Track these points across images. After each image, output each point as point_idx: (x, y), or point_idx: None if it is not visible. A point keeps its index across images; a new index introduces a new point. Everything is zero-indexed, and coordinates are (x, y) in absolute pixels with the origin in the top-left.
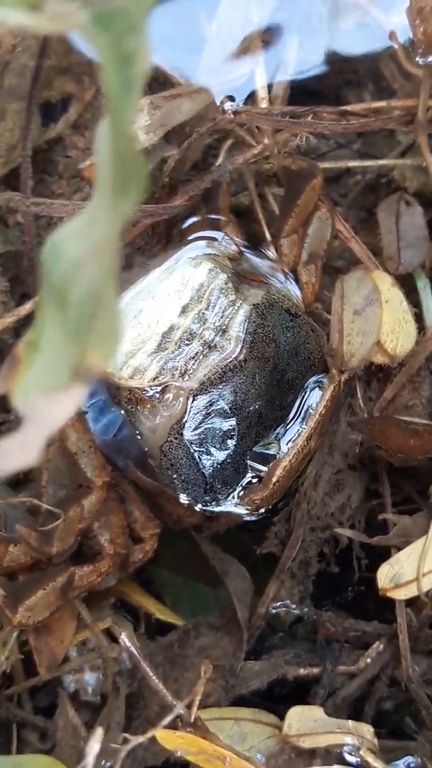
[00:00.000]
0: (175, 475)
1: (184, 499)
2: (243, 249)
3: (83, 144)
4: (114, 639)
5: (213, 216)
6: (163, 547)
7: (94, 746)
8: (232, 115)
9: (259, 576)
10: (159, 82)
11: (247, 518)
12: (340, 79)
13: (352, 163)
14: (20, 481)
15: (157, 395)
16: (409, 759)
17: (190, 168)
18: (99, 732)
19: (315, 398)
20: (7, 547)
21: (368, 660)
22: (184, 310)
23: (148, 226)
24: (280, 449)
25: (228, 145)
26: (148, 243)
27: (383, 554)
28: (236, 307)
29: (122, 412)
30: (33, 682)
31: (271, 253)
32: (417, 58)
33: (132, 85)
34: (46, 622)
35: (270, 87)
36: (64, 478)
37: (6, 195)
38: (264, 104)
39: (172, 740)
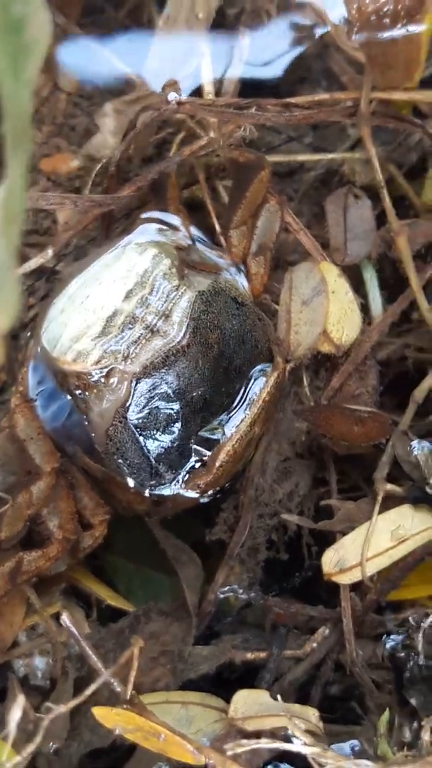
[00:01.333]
0: (120, 460)
1: (131, 483)
2: (193, 240)
3: (40, 138)
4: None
5: (161, 210)
6: (116, 535)
7: (15, 713)
8: (176, 105)
9: (209, 563)
10: (114, 79)
11: (195, 501)
12: (294, 77)
13: (301, 157)
14: None
15: (102, 380)
16: (354, 742)
17: (145, 162)
18: (21, 699)
19: (259, 385)
20: None
21: (314, 645)
22: (128, 295)
23: (98, 217)
24: (224, 434)
25: (180, 139)
26: (100, 234)
27: (332, 541)
28: (180, 293)
29: (70, 398)
30: None
31: (221, 244)
32: (353, 37)
33: (26, 52)
34: None
35: (221, 84)
36: (14, 465)
37: None
38: (209, 96)
39: (109, 717)
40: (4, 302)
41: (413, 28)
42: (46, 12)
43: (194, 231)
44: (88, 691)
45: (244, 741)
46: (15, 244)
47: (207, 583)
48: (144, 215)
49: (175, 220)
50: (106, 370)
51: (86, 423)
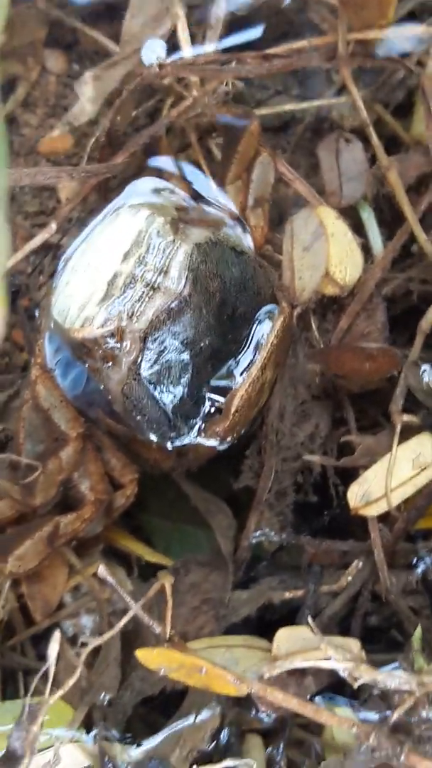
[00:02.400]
0: (139, 416)
1: (152, 437)
2: (191, 199)
3: (36, 121)
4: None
5: (157, 175)
6: (150, 495)
7: (54, 648)
8: (157, 69)
9: (242, 514)
10: (99, 55)
11: (216, 448)
12: (276, 33)
13: (289, 107)
14: (3, 445)
15: (117, 345)
16: (395, 664)
17: (138, 131)
18: (57, 635)
19: (266, 329)
20: None
21: (349, 578)
22: (125, 257)
23: (96, 187)
24: (235, 380)
25: (170, 104)
26: (100, 205)
27: (356, 477)
28: (176, 247)
29: (90, 370)
30: (33, 630)
31: (220, 198)
32: None
33: None
34: (37, 570)
35: (202, 47)
36: (41, 434)
37: None
38: (189, 57)
39: (152, 658)
40: None
41: None
42: None
43: (196, 183)
44: (122, 622)
45: (280, 663)
46: (2, 191)
47: (240, 531)
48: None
49: (170, 183)
50: (117, 335)
51: (102, 387)
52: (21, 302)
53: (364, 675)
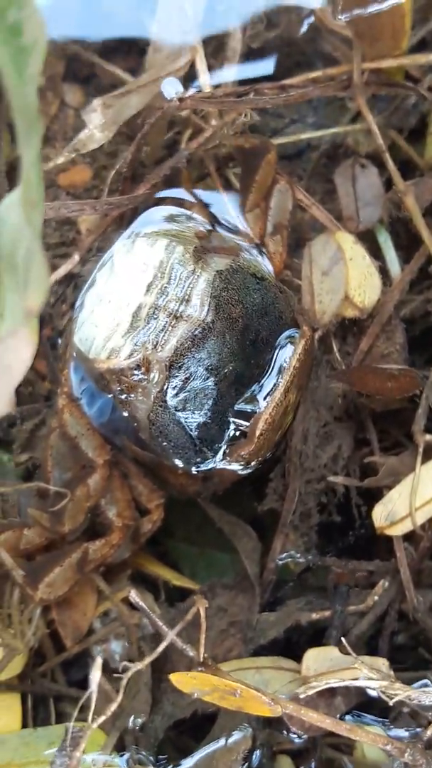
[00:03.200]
0: (165, 442)
1: (178, 463)
2: (213, 225)
3: (54, 154)
4: (135, 607)
5: (178, 204)
6: (176, 521)
7: (95, 675)
8: (177, 102)
9: (267, 536)
10: (116, 88)
11: (241, 472)
12: (290, 62)
13: (305, 135)
14: (30, 473)
15: (144, 376)
16: (425, 681)
17: (157, 163)
18: (98, 662)
19: (288, 353)
20: (22, 531)
21: (375, 597)
22: (149, 288)
23: (117, 219)
24: (259, 405)
25: (188, 135)
26: (119, 234)
27: (380, 497)
28: (197, 276)
29: (117, 402)
30: (63, 656)
31: (239, 226)
32: (339, 17)
33: (25, 53)
34: (67, 596)
35: (219, 78)
36: (68, 462)
37: None
38: (207, 88)
39: (186, 682)
40: (35, 281)
41: (395, 0)
42: (39, 15)
43: (217, 211)
44: (160, 648)
45: (314, 683)
46: (38, 228)
47: (265, 553)
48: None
49: (191, 212)
50: (144, 366)
51: (127, 415)
52: (44, 331)
53: (399, 693)
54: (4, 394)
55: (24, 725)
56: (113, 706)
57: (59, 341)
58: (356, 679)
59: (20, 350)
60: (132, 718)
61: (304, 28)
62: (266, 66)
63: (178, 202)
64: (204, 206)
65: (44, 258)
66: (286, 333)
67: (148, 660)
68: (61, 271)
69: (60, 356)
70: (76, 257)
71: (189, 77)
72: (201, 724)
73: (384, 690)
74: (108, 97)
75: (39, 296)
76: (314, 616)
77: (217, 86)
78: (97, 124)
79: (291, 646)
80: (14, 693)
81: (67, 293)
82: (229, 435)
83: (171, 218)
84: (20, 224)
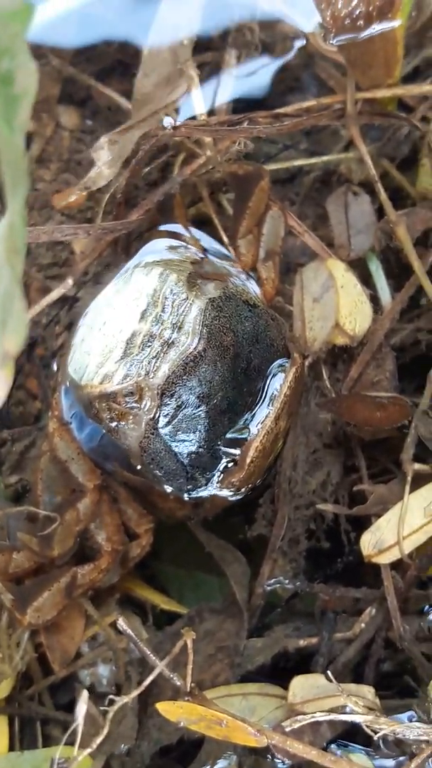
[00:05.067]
0: (156, 470)
1: (169, 489)
2: (204, 252)
3: (50, 176)
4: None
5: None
6: (164, 543)
7: (81, 707)
8: (172, 130)
9: (255, 560)
10: (112, 110)
11: (231, 498)
12: (283, 87)
13: (298, 162)
14: (20, 495)
15: (136, 404)
16: (411, 713)
17: (150, 187)
18: (84, 695)
19: (279, 381)
20: (11, 555)
21: (362, 625)
22: (143, 316)
23: (112, 243)
24: (250, 432)
25: (181, 160)
26: (115, 259)
27: (368, 524)
28: (189, 303)
29: (107, 431)
30: (51, 680)
31: (231, 254)
32: (330, 41)
33: (15, 102)
34: (55, 621)
35: (213, 103)
36: (58, 486)
37: None
38: (202, 116)
39: (172, 711)
40: (13, 327)
41: (387, 26)
42: (32, 63)
43: (207, 243)
44: (147, 681)
45: (301, 716)
46: (19, 273)
47: (254, 578)
48: (157, 230)
49: (184, 234)
50: (137, 394)
51: (119, 442)
52: (36, 351)
53: (384, 727)
54: None
55: (11, 748)
56: (99, 739)
57: (53, 362)
58: (343, 712)
59: None
60: (118, 743)
61: (295, 52)
62: (259, 90)
63: (173, 234)
64: (195, 237)
65: (24, 305)
66: (278, 361)
67: (134, 693)
68: (54, 294)
69: (52, 379)
70: (70, 281)
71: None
72: (187, 750)
73: (370, 724)
74: (113, 134)
75: (17, 342)
76: (302, 643)
77: (211, 111)
78: (105, 161)
79: (278, 670)
80: (1, 716)
81: (60, 315)
82: (220, 463)
83: (168, 248)
84: (0, 262)
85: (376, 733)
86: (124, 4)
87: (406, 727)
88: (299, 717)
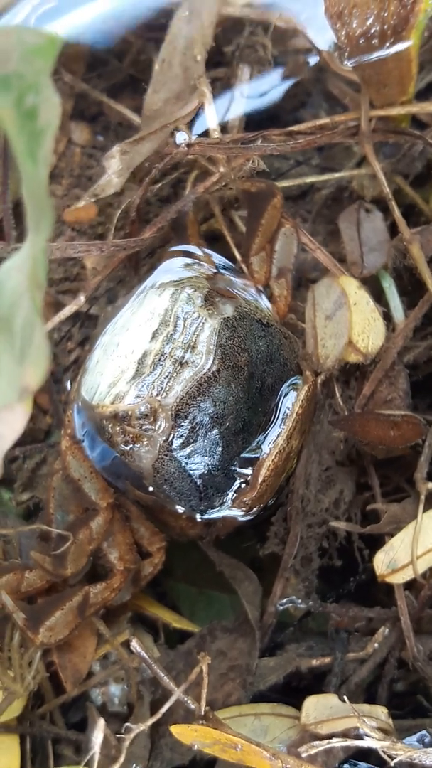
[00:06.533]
0: (170, 490)
1: (182, 510)
2: (217, 269)
3: (61, 191)
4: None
5: (183, 246)
6: (175, 561)
7: (98, 736)
8: (186, 148)
9: (267, 577)
10: (123, 126)
11: (243, 518)
12: (295, 102)
13: (310, 179)
14: (31, 512)
15: (150, 425)
16: (424, 733)
17: (162, 203)
18: (101, 722)
19: (291, 400)
20: (23, 574)
21: (375, 645)
22: (154, 336)
23: (124, 260)
24: (262, 451)
25: (194, 177)
26: (128, 275)
27: (382, 543)
28: (202, 323)
29: (120, 453)
30: (62, 699)
31: (243, 271)
32: (345, 62)
33: (39, 136)
34: (68, 640)
35: (227, 118)
36: (71, 504)
37: None
38: (216, 135)
39: (187, 734)
40: (34, 360)
41: (401, 46)
42: (56, 97)
43: (219, 260)
44: (164, 709)
45: (317, 742)
46: (39, 305)
47: (266, 597)
48: (170, 251)
49: (197, 252)
50: (151, 416)
51: (133, 463)
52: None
53: (400, 753)
54: None
55: (22, 767)
56: (117, 766)
57: (65, 378)
58: (357, 733)
59: (14, 422)
60: (131, 763)
61: (309, 68)
62: (270, 105)
63: (186, 252)
64: (208, 254)
65: (46, 337)
66: (290, 380)
67: (150, 721)
68: (66, 311)
69: (64, 392)
70: (82, 298)
71: (195, 116)
72: None
73: (385, 750)
74: (125, 144)
75: (38, 375)
76: (314, 662)
77: (223, 126)
78: (115, 170)
79: (290, 689)
80: (13, 735)
81: (73, 331)
82: (234, 483)
83: (183, 266)
84: (20, 290)
85: (392, 758)
86: (136, 20)
87: (423, 752)
88: (316, 743)
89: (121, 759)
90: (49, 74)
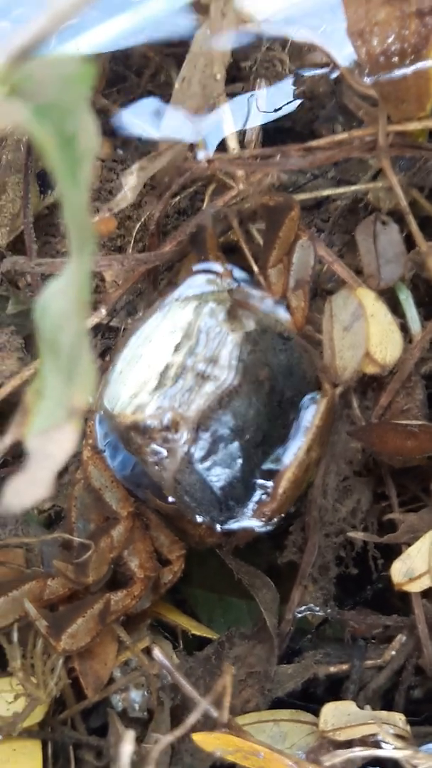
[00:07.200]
0: (190, 500)
1: (202, 520)
2: (237, 282)
3: None
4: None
5: (202, 259)
6: (194, 567)
7: (127, 748)
8: (206, 164)
9: (284, 584)
10: (142, 141)
11: (262, 529)
12: (311, 115)
13: (327, 192)
14: (53, 521)
15: (172, 436)
16: None
17: (179, 215)
18: (130, 734)
19: (311, 413)
20: (46, 582)
21: (393, 652)
22: (176, 348)
23: (144, 273)
24: (282, 463)
25: (211, 190)
26: (148, 288)
27: (398, 552)
28: (224, 337)
29: (143, 463)
30: (84, 705)
31: (261, 283)
32: (365, 79)
33: (79, 162)
34: (89, 647)
35: (244, 132)
36: (92, 513)
37: (12, 259)
38: (235, 150)
39: (209, 742)
40: (83, 380)
41: (421, 64)
42: (94, 123)
43: (238, 273)
44: (191, 720)
45: (339, 751)
46: (85, 328)
47: (284, 604)
48: (194, 268)
49: (218, 267)
50: (172, 426)
51: (154, 474)
52: None
53: (422, 762)
54: (44, 479)
55: None
56: None
57: None
58: (375, 739)
59: (64, 442)
60: None
61: (324, 82)
62: (286, 118)
63: (206, 270)
64: (228, 268)
65: (93, 359)
66: (310, 394)
67: (178, 732)
68: (88, 323)
69: (86, 407)
70: (104, 311)
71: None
72: None
73: (408, 759)
74: (144, 161)
75: (86, 396)
76: (332, 669)
77: (242, 136)
78: (131, 186)
79: (307, 696)
80: (36, 740)
81: (94, 343)
82: (254, 494)
83: (207, 281)
84: (65, 313)
85: None
86: (155, 37)
87: None
88: (338, 752)
89: None
90: (86, 101)
